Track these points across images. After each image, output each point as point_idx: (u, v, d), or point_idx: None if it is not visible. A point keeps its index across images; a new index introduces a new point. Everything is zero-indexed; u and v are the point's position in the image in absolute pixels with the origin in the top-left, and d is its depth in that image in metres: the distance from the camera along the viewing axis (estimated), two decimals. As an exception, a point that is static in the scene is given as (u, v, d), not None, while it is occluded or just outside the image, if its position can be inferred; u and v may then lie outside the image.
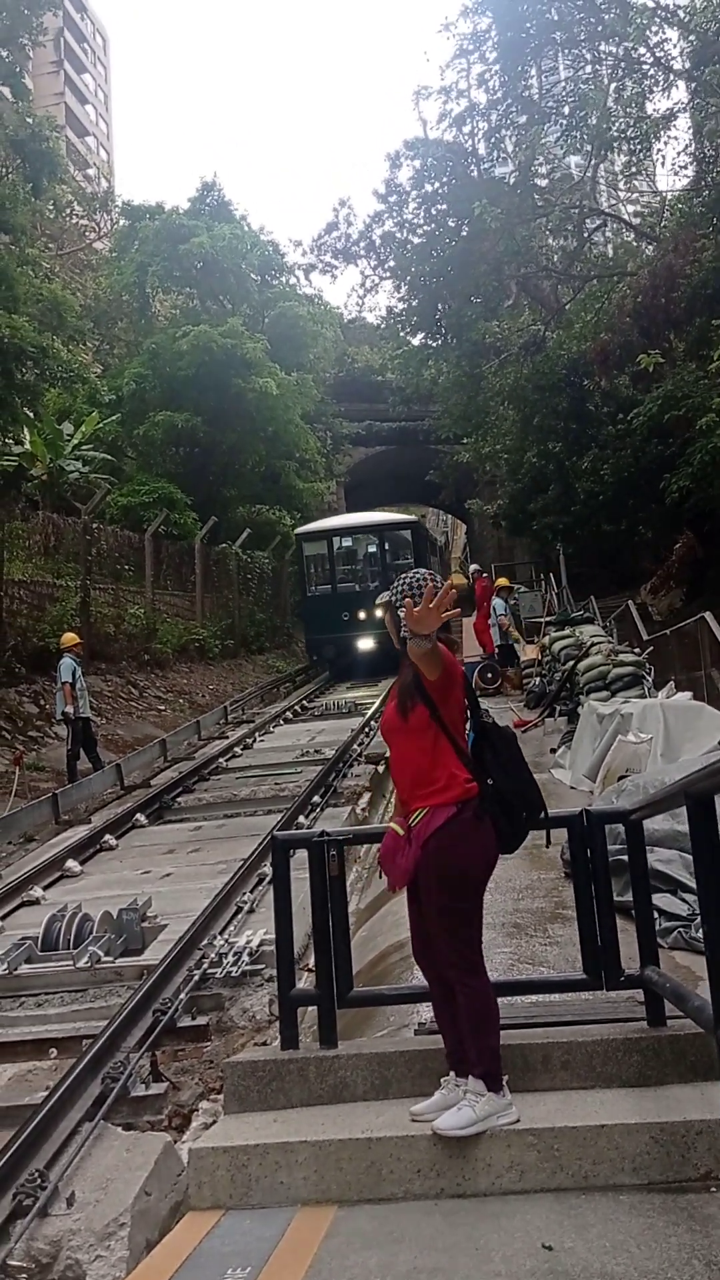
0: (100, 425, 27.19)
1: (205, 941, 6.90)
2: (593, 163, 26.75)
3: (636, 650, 15.12)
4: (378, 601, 4.04)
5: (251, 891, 8.03)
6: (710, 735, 9.21)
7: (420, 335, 32.37)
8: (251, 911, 7.64)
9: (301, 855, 4.45)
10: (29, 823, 12.01)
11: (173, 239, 33.74)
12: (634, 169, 27.30)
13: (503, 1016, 3.83)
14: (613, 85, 23.43)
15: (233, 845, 10.09)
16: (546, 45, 24.42)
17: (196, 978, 6.30)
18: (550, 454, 25.97)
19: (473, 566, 30.33)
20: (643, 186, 31.38)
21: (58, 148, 23.16)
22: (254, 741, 17.30)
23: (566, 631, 16.96)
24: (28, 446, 23.67)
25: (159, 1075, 5.34)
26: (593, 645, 15.15)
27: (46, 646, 17.00)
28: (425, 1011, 4.70)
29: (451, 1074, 3.80)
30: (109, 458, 27.42)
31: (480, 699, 4.19)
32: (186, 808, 12.72)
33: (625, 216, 29.68)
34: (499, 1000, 3.84)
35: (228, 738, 17.82)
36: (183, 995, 6.04)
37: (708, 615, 13.52)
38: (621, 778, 8.59)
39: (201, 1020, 5.95)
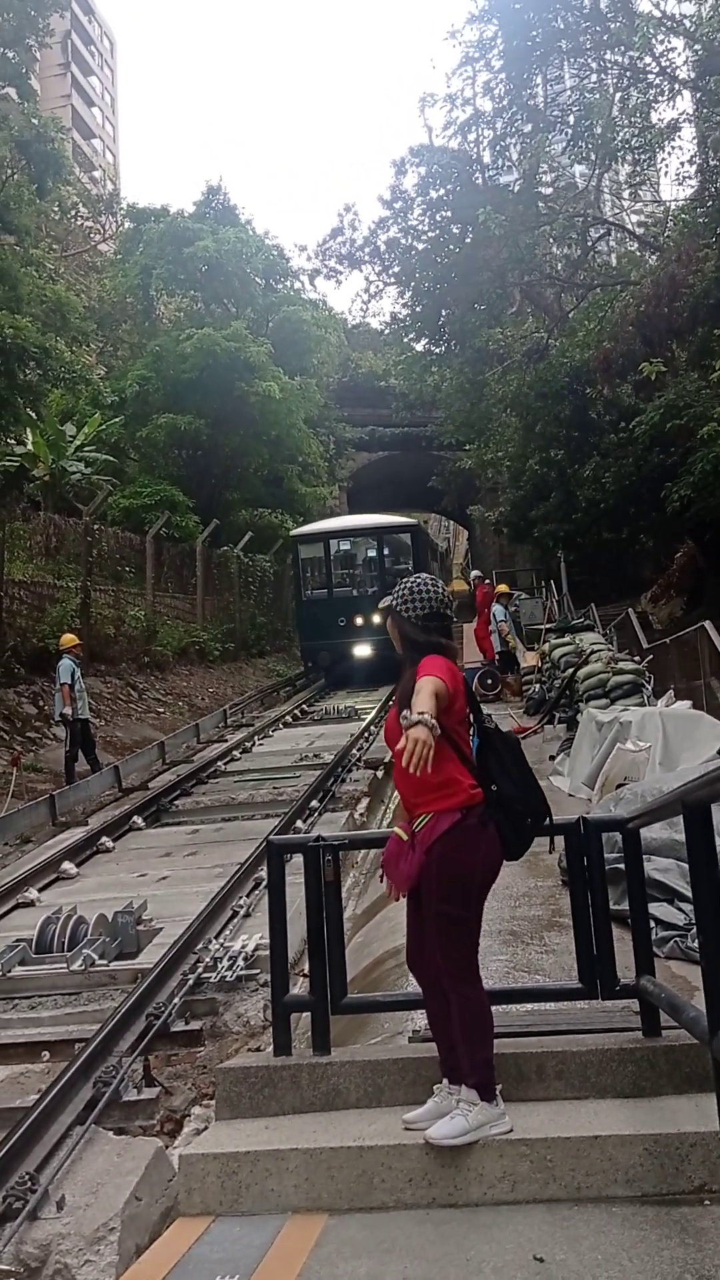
0: (103, 427, 27.21)
1: (200, 946, 6.89)
2: (597, 172, 26.77)
3: (636, 658, 15.11)
4: (380, 606, 4.01)
5: (248, 896, 8.01)
6: (709, 744, 9.19)
7: (424, 341, 32.39)
8: (247, 916, 7.62)
9: (297, 860, 4.43)
10: (26, 824, 11.99)
11: (177, 242, 33.78)
12: (638, 178, 27.33)
13: (497, 1025, 3.81)
14: (618, 95, 23.43)
15: (230, 849, 10.08)
16: (552, 54, 24.36)
17: (191, 982, 6.28)
18: (552, 461, 25.98)
19: (474, 573, 30.28)
20: (647, 196, 31.45)
21: (63, 149, 23.22)
22: (253, 745, 17.28)
23: (567, 639, 16.95)
24: (30, 447, 23.71)
25: (152, 1080, 5.32)
26: (593, 653, 15.14)
27: (46, 647, 17.00)
28: (419, 1019, 4.68)
29: (445, 1081, 3.77)
30: (111, 459, 27.43)
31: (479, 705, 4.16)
32: (184, 811, 12.71)
33: (629, 226, 29.70)
34: (494, 1008, 3.82)
35: (226, 741, 17.81)
36: (177, 1000, 6.03)
37: (707, 624, 13.51)
38: (620, 786, 8.56)
39: (195, 1025, 5.94)
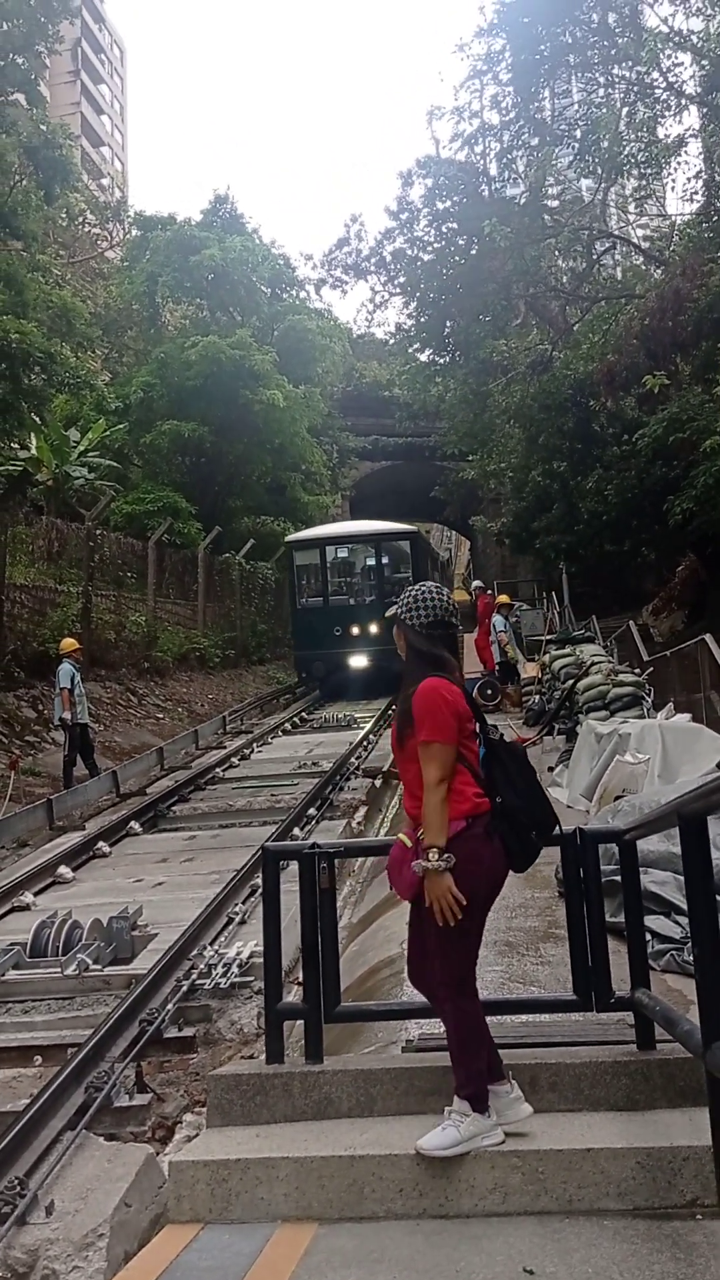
0: (107, 433, 27.23)
1: (195, 952, 6.87)
2: (603, 186, 26.83)
3: (636, 671, 15.10)
4: (385, 615, 4.02)
5: (244, 903, 7.99)
6: (708, 757, 9.18)
7: (428, 352, 32.43)
8: (243, 923, 7.60)
9: (294, 868, 4.42)
10: (23, 828, 11.98)
11: (184, 250, 33.87)
12: (644, 193, 27.39)
13: (492, 1036, 3.80)
14: (625, 109, 23.52)
15: (226, 855, 10.06)
16: (560, 68, 24.49)
17: (185, 988, 6.26)
18: (555, 473, 26.00)
19: (475, 583, 30.26)
20: (652, 210, 31.52)
21: (71, 155, 23.27)
22: (252, 752, 17.27)
23: (567, 650, 16.92)
24: (34, 452, 23.72)
25: (144, 1086, 5.31)
26: (593, 665, 15.12)
27: (46, 651, 16.99)
28: (414, 1028, 4.67)
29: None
30: (115, 465, 27.45)
31: None
32: (181, 817, 12.70)
33: (635, 240, 29.77)
34: (489, 1019, 3.81)
35: (225, 748, 17.79)
36: (170, 1006, 6.00)
37: (708, 637, 13.53)
38: (618, 798, 8.55)
39: (189, 1031, 5.91)
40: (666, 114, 22.31)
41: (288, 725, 20.68)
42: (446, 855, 3.50)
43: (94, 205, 40.65)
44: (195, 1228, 3.59)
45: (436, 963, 3.71)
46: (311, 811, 11.55)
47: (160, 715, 20.68)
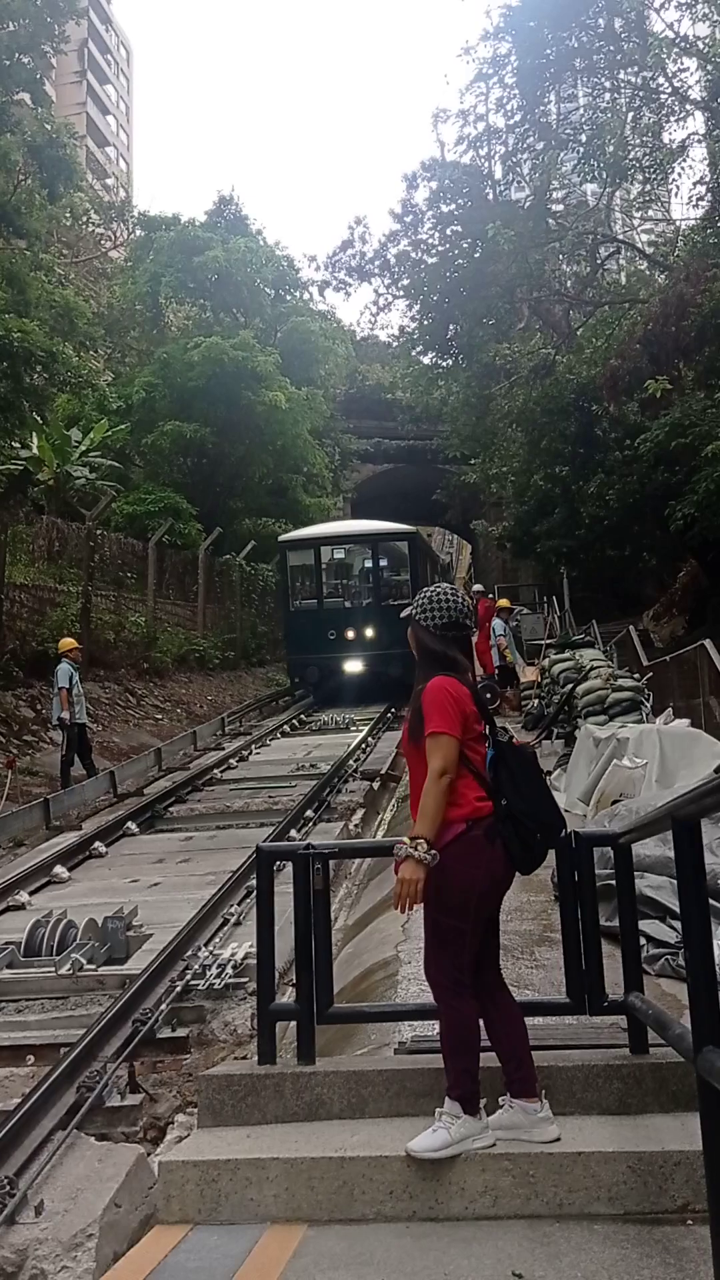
0: (109, 433, 27.20)
1: (190, 952, 6.85)
2: (608, 190, 26.85)
3: (636, 676, 15.07)
4: (401, 615, 4.02)
5: (239, 904, 7.98)
6: (706, 763, 9.15)
7: (431, 355, 32.48)
8: (238, 924, 7.59)
9: (289, 870, 4.41)
10: (19, 827, 11.96)
11: (188, 250, 33.91)
12: (648, 197, 27.39)
13: (484, 1038, 3.78)
14: (630, 114, 23.53)
15: (223, 857, 10.05)
16: (566, 72, 24.45)
17: (179, 989, 6.25)
18: (557, 477, 25.99)
19: (476, 587, 30.20)
20: (657, 215, 31.54)
21: (75, 155, 23.29)
22: (250, 754, 17.25)
23: (567, 655, 16.89)
24: (35, 451, 23.68)
25: (136, 1086, 5.29)
26: (592, 669, 15.09)
27: (45, 651, 16.97)
28: (407, 1030, 4.65)
29: (507, 1095, 3.74)
30: (116, 465, 27.40)
31: None
32: (178, 818, 12.68)
33: (639, 244, 29.80)
34: (498, 1027, 3.79)
35: (223, 749, 17.78)
36: (164, 1006, 5.99)
37: (707, 643, 13.50)
38: (615, 802, 8.54)
39: (182, 1032, 5.90)
40: (670, 118, 22.35)
41: (286, 727, 20.66)
42: (433, 852, 3.50)
43: (98, 205, 40.72)
44: (184, 1228, 3.58)
45: (429, 962, 3.72)
46: (309, 813, 11.53)
47: (159, 716, 20.67)
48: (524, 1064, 3.72)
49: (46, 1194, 4.08)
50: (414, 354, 33.64)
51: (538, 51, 23.36)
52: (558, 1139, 3.61)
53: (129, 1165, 4.27)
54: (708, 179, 22.74)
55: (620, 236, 29.08)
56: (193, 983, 6.35)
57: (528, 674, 20.54)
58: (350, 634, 24.08)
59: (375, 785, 13.71)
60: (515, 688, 19.98)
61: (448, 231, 27.84)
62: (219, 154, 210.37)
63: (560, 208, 28.03)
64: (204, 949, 6.91)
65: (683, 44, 21.09)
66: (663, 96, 22.16)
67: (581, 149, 24.30)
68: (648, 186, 25.50)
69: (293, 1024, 4.38)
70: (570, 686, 14.84)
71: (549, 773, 12.39)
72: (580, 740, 11.53)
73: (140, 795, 13.91)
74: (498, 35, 24.29)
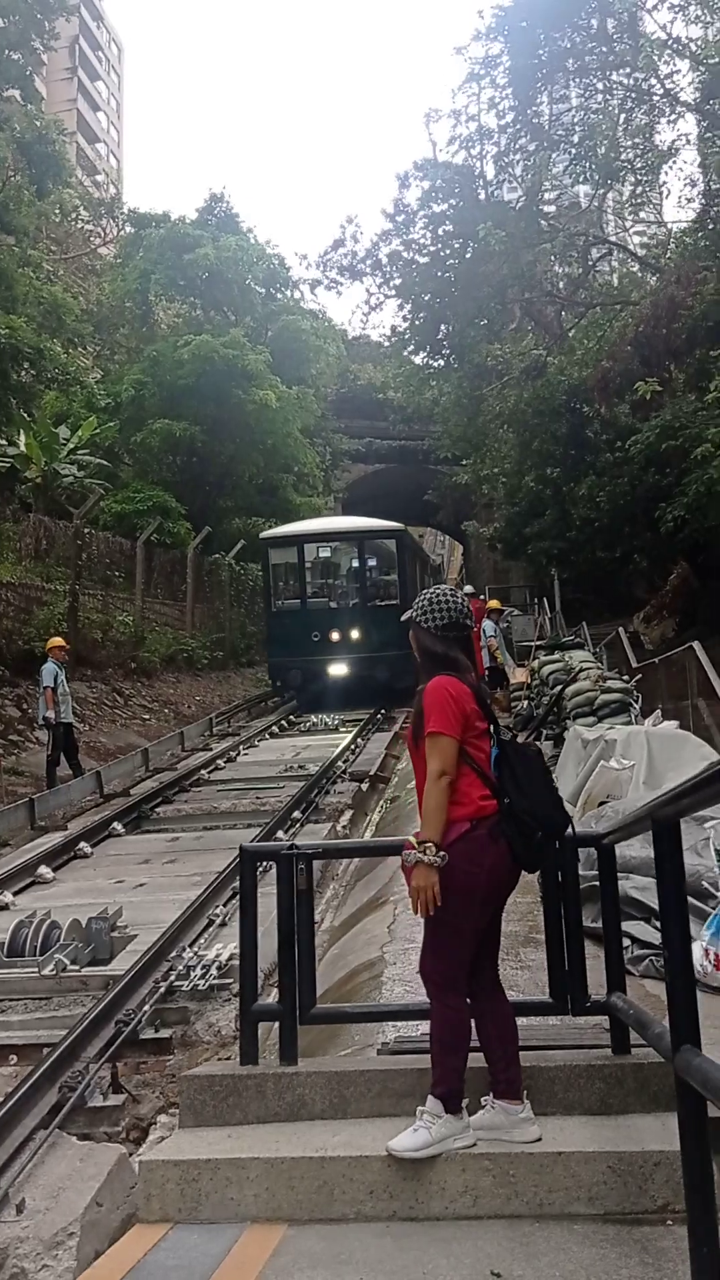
0: (97, 431, 27.11)
1: (174, 953, 6.84)
2: (599, 192, 26.89)
3: (625, 678, 15.09)
4: (402, 618, 4.02)
5: (224, 905, 7.96)
6: (694, 764, 9.14)
7: (423, 355, 32.40)
8: (223, 925, 7.58)
9: (274, 870, 4.40)
10: (4, 827, 11.92)
11: (178, 248, 33.82)
12: (640, 199, 27.43)
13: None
14: (622, 115, 23.57)
15: (209, 858, 10.03)
16: (558, 73, 24.47)
17: (163, 989, 6.24)
18: (548, 479, 26.05)
19: (466, 589, 30.14)
20: (649, 217, 31.60)
21: (64, 152, 23.28)
22: (238, 755, 17.20)
23: (556, 656, 16.92)
24: (22, 449, 23.61)
25: (119, 1087, 5.28)
26: (581, 671, 15.11)
27: (31, 650, 16.92)
28: (390, 1031, 4.65)
29: (490, 1095, 3.74)
30: (105, 463, 27.33)
31: None
32: (165, 818, 12.65)
33: (630, 246, 29.84)
34: (489, 1027, 3.79)
35: (211, 750, 17.74)
36: (147, 1007, 5.98)
37: (696, 645, 13.53)
38: (602, 803, 8.54)
39: (165, 1033, 5.89)
40: (661, 119, 22.40)
41: (275, 728, 20.61)
42: (441, 854, 3.50)
43: (88, 201, 40.66)
44: (164, 1227, 3.57)
45: (425, 958, 3.72)
46: (296, 815, 11.51)
47: (146, 716, 20.62)
48: (513, 1066, 3.73)
49: (28, 1193, 4.08)
50: (405, 354, 33.56)
51: (530, 52, 23.38)
52: (539, 1139, 3.61)
53: (110, 1165, 4.27)
54: (699, 181, 22.79)
55: (612, 238, 29.09)
56: (177, 983, 6.33)
57: (518, 675, 20.56)
58: (335, 635, 23.13)
59: (364, 787, 13.69)
60: (505, 689, 19.99)
61: (440, 231, 27.79)
62: (210, 152, 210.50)
63: (552, 208, 28.07)
64: (189, 950, 6.89)
65: (675, 45, 21.12)
66: (654, 98, 22.19)
67: (573, 150, 24.35)
68: (639, 188, 25.55)
69: (276, 1025, 4.38)
70: (559, 688, 14.85)
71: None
72: (569, 741, 11.54)
73: (127, 796, 13.87)
74: (490, 35, 24.30)
